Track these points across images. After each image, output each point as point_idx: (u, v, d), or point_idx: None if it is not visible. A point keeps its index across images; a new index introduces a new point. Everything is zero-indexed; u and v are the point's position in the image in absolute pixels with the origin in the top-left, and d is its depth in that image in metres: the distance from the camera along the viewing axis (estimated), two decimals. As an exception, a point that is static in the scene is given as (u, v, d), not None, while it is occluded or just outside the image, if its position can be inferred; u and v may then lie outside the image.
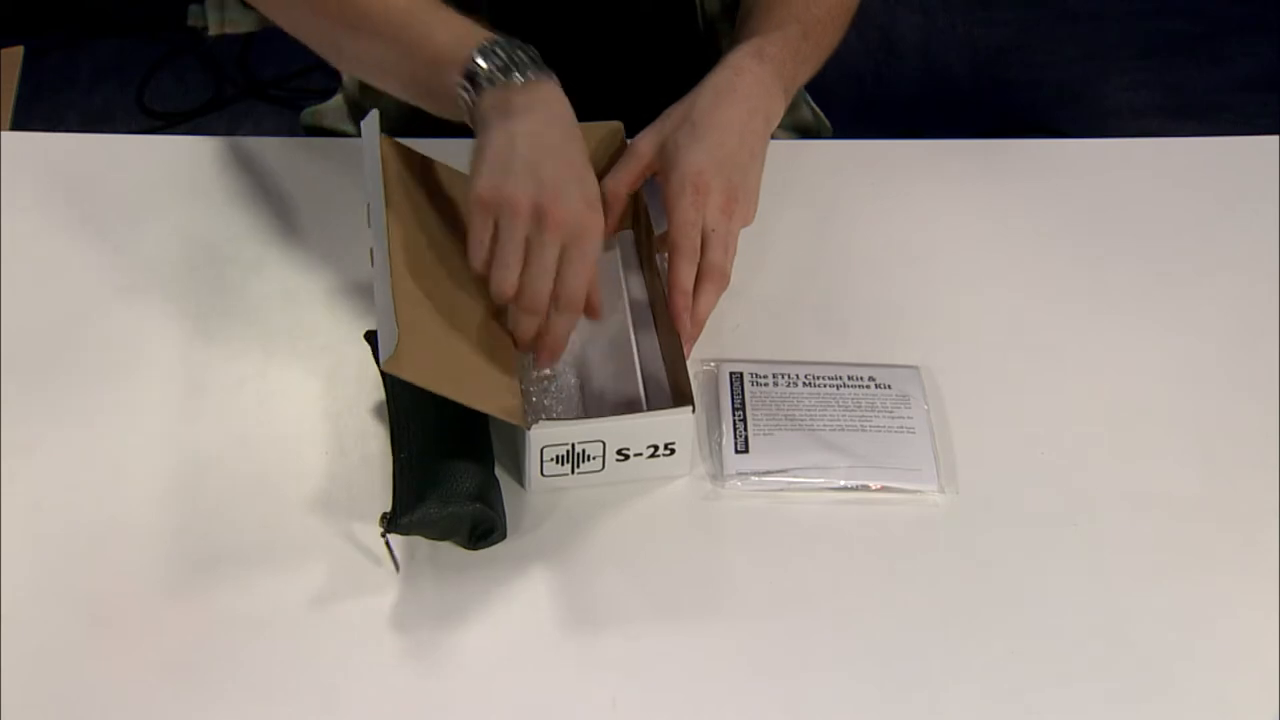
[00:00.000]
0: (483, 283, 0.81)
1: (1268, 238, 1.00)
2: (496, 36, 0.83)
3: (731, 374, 0.88)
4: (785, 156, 1.06)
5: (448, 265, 0.84)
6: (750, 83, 0.91)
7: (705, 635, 0.76)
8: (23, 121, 2.22)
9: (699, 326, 0.87)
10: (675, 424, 0.81)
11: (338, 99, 1.21)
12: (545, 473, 0.81)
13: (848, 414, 0.86)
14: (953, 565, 0.80)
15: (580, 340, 0.88)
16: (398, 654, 0.75)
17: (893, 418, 0.86)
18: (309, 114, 1.21)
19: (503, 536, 0.79)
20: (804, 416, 0.86)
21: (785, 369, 0.89)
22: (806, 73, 0.98)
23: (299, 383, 0.88)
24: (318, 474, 0.83)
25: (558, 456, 0.80)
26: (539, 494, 0.82)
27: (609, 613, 0.77)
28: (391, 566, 0.78)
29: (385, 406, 0.83)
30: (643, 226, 0.94)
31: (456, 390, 0.77)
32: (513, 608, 0.77)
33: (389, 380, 0.82)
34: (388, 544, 0.77)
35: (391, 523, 0.75)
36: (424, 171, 0.90)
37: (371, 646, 0.75)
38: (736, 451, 0.84)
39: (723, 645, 0.76)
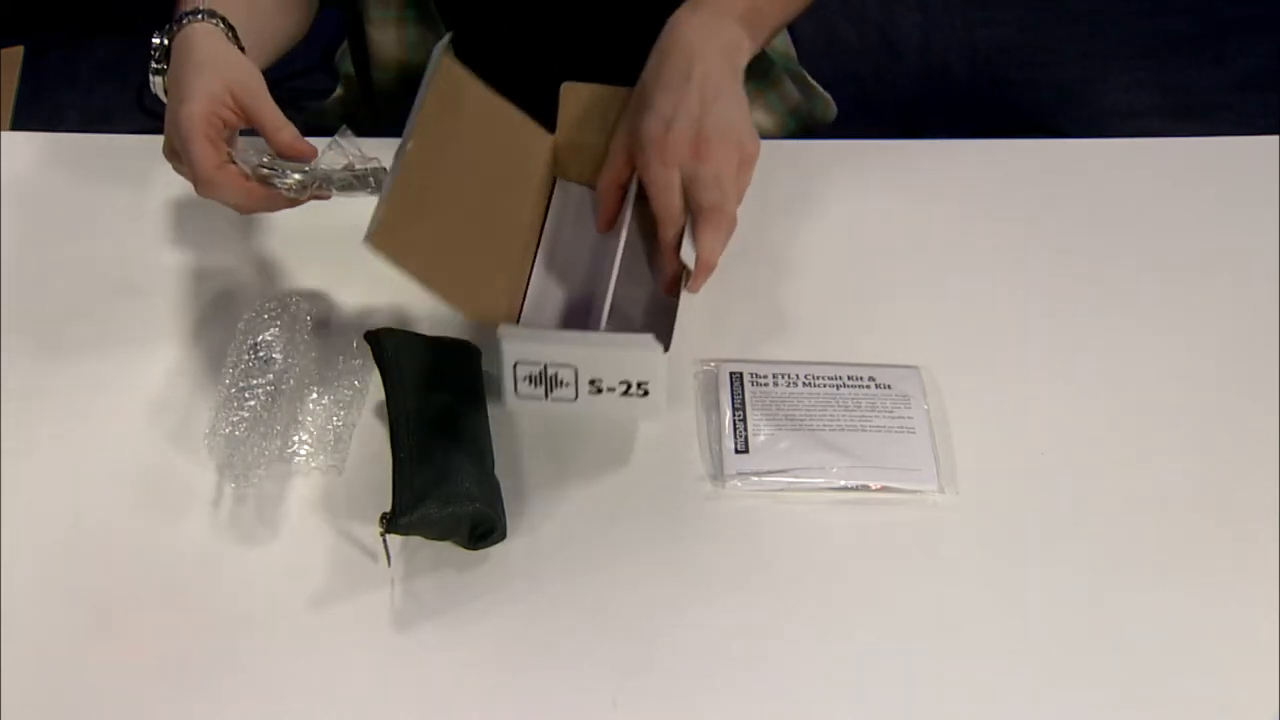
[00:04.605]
0: (514, 205, 0.82)
1: (1268, 238, 1.00)
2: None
3: (731, 374, 0.88)
4: (786, 156, 1.06)
5: (474, 182, 0.84)
6: (688, 31, 0.89)
7: (705, 635, 0.76)
8: (23, 121, 2.22)
9: (707, 270, 0.86)
10: (646, 360, 0.79)
11: (337, 98, 1.21)
12: (519, 392, 0.81)
13: (848, 414, 0.86)
14: (953, 565, 0.80)
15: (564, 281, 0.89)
16: (398, 654, 0.75)
17: (893, 418, 0.86)
18: (310, 113, 1.21)
19: (502, 536, 0.79)
20: (804, 416, 0.86)
21: (785, 369, 0.89)
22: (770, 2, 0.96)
23: (299, 382, 0.88)
24: (318, 474, 0.84)
25: (531, 377, 0.80)
26: (516, 413, 0.83)
27: (609, 613, 0.77)
28: (390, 566, 0.78)
29: (385, 406, 0.83)
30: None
31: (439, 284, 0.77)
32: (513, 608, 0.77)
33: (389, 380, 0.82)
34: (385, 543, 0.77)
35: (391, 523, 0.75)
36: (477, 98, 0.89)
37: (371, 646, 0.75)
38: (736, 451, 0.84)
39: (722, 645, 0.76)
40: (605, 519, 0.82)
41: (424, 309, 0.93)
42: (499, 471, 0.82)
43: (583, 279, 0.92)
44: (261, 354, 0.86)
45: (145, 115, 2.28)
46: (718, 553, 0.80)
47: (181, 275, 0.95)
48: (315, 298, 0.92)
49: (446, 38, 0.87)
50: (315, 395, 0.87)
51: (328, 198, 0.87)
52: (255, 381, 0.84)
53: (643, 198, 0.90)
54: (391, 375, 0.82)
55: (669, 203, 0.85)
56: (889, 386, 0.88)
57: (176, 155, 0.85)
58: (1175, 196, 1.03)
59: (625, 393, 0.81)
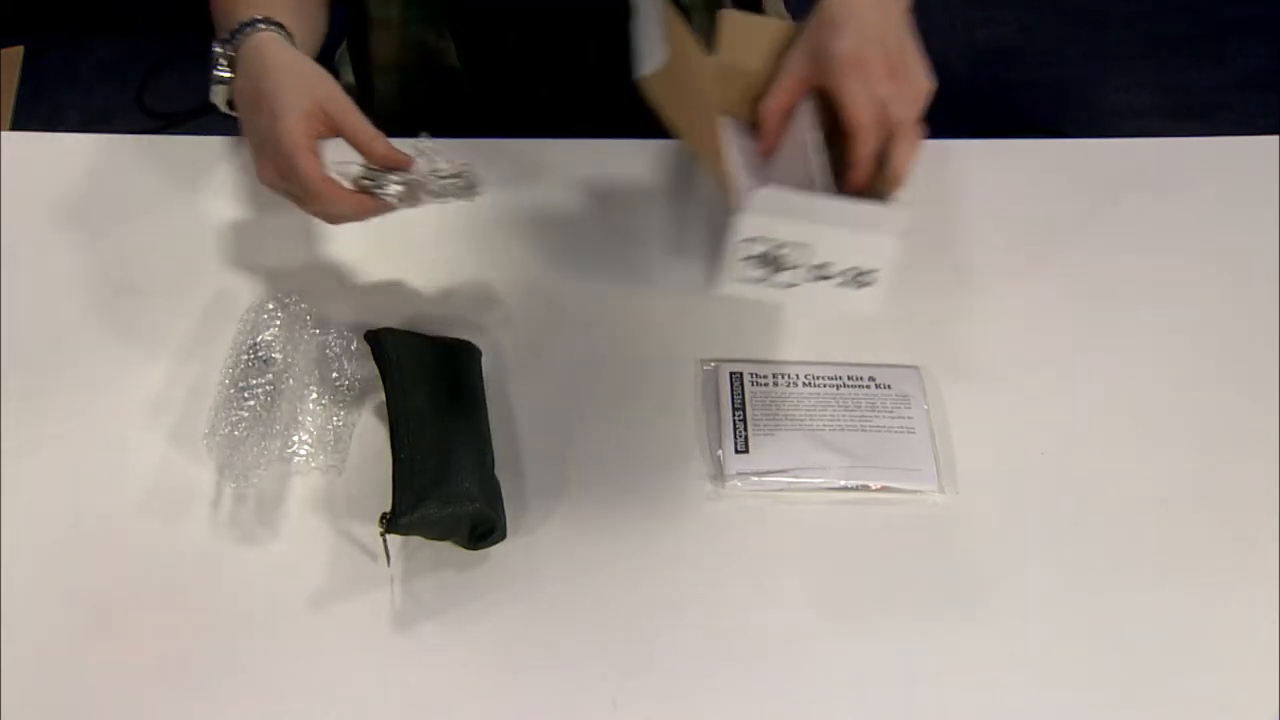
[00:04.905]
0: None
1: (1268, 238, 1.00)
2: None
3: (731, 374, 0.88)
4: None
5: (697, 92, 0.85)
6: None
7: (705, 635, 0.76)
8: (23, 121, 2.22)
9: (898, 181, 0.86)
10: (881, 246, 0.78)
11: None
12: (738, 274, 0.78)
13: (848, 414, 0.86)
14: (953, 565, 0.80)
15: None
16: (398, 654, 0.75)
17: (893, 418, 0.86)
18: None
19: (503, 536, 0.79)
20: (804, 416, 0.86)
21: (785, 369, 0.89)
22: None
23: (299, 382, 0.88)
24: (318, 474, 0.84)
25: (761, 255, 0.78)
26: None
27: (609, 613, 0.77)
28: (390, 566, 0.78)
29: (385, 406, 0.83)
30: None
31: (693, 136, 0.77)
32: (513, 608, 0.77)
33: (389, 380, 0.82)
34: (385, 543, 0.77)
35: (391, 523, 0.75)
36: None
37: (371, 646, 0.75)
38: (736, 451, 0.84)
39: (723, 644, 0.76)
40: (605, 519, 0.82)
41: (424, 309, 0.93)
42: (499, 471, 0.82)
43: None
44: (261, 354, 0.86)
45: (145, 115, 2.28)
46: (718, 553, 0.80)
47: (181, 275, 0.95)
48: (315, 298, 0.92)
49: None
50: (315, 395, 0.87)
51: (420, 204, 0.88)
52: (255, 381, 0.84)
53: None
54: (391, 375, 0.82)
55: (869, 116, 0.86)
56: (889, 386, 0.88)
57: (276, 171, 0.84)
58: (1175, 196, 1.03)
59: (847, 282, 0.79)
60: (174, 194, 1.02)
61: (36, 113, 2.26)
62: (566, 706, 0.73)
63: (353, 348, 0.89)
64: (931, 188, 1.04)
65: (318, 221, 0.94)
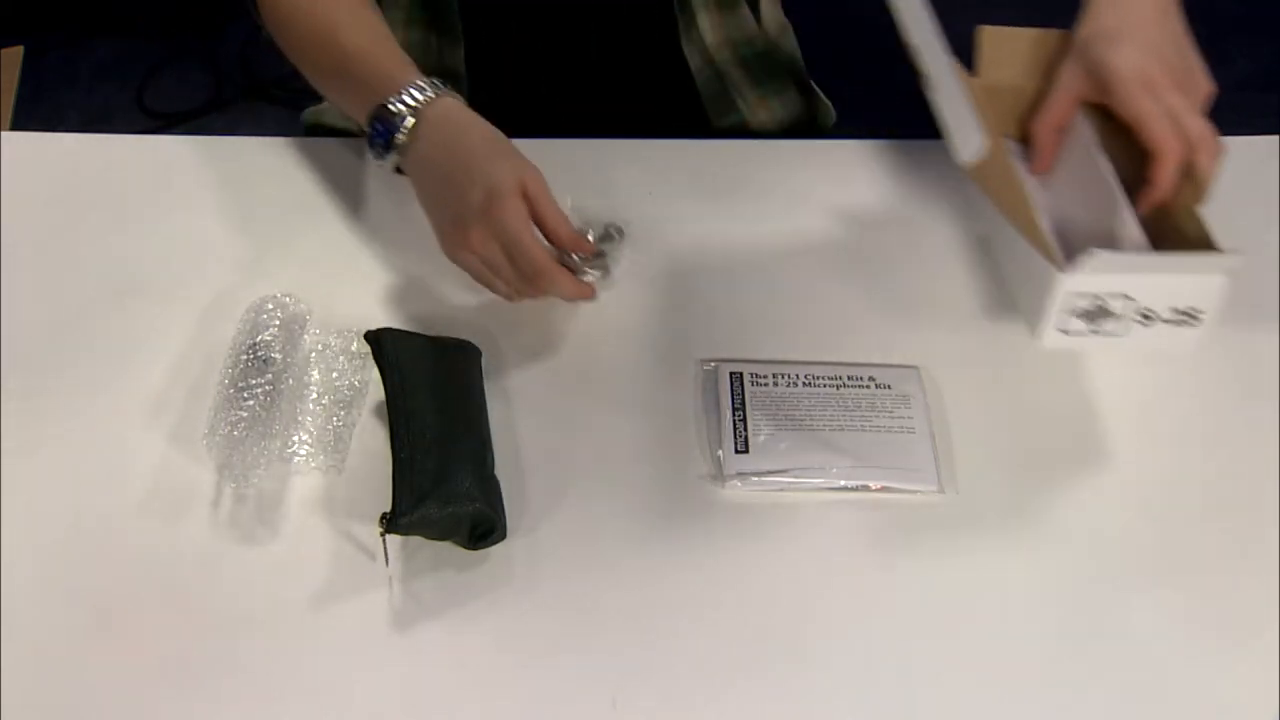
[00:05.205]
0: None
1: (1268, 237, 1.00)
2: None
3: (731, 374, 0.88)
4: (786, 156, 1.06)
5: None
6: None
7: (705, 635, 0.76)
8: (23, 121, 2.23)
9: (1206, 193, 0.86)
10: (1209, 286, 0.79)
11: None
12: (1063, 327, 0.80)
13: (848, 414, 0.86)
14: (952, 565, 0.80)
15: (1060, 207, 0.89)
16: (397, 654, 0.75)
17: (893, 418, 0.86)
18: (310, 113, 1.21)
19: (503, 536, 0.79)
20: (804, 416, 0.86)
21: (785, 369, 0.89)
22: None
23: (298, 382, 0.88)
24: (317, 474, 0.84)
25: (1083, 310, 0.79)
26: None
27: (609, 613, 0.77)
28: (388, 565, 0.78)
29: (385, 406, 0.83)
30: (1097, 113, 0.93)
31: (1025, 227, 0.76)
32: (513, 608, 0.77)
33: (389, 380, 0.82)
34: (384, 543, 0.77)
35: (391, 523, 0.75)
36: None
37: (371, 646, 0.75)
38: (736, 451, 0.84)
39: (722, 645, 0.76)
40: (605, 519, 0.82)
41: (424, 309, 0.93)
42: (499, 471, 0.82)
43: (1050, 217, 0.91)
44: (260, 354, 0.86)
45: (145, 115, 2.28)
46: (718, 553, 0.80)
47: (181, 275, 0.95)
48: (315, 298, 0.92)
49: None
50: (315, 395, 0.87)
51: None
52: (254, 381, 0.84)
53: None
54: (391, 375, 0.82)
55: (1169, 134, 0.85)
56: (889, 386, 0.88)
57: (499, 249, 0.83)
58: (1175, 196, 1.03)
59: (1173, 319, 0.80)
60: (174, 194, 1.02)
61: (36, 113, 2.26)
62: (566, 706, 0.73)
63: (353, 348, 0.89)
64: (931, 187, 1.04)
65: (317, 222, 0.94)
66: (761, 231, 1.00)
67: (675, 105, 1.15)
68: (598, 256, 0.91)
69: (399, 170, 0.90)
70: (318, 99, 1.23)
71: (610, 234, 0.95)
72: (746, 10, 1.13)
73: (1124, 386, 0.90)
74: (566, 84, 1.15)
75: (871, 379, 0.88)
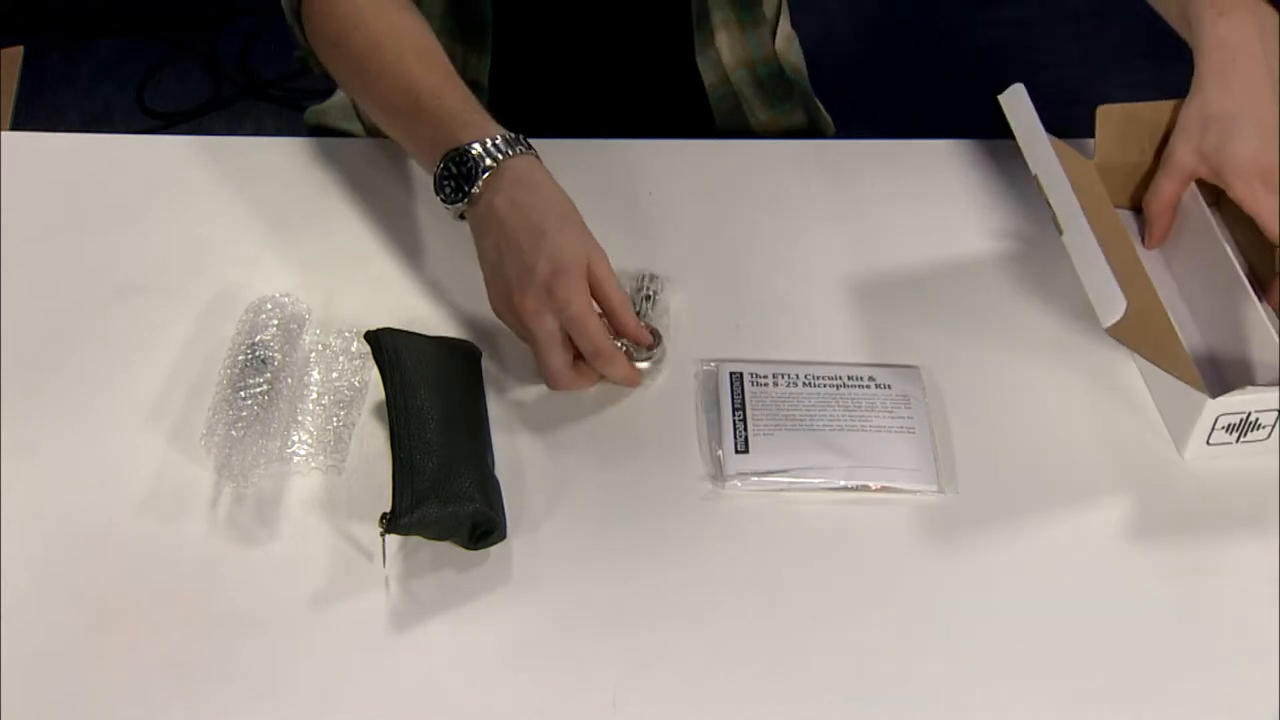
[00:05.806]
0: (1125, 246, 0.84)
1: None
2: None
3: (731, 374, 0.88)
4: (786, 156, 1.06)
5: (1109, 235, 0.84)
6: (1237, 40, 0.89)
7: (705, 635, 0.76)
8: (23, 121, 2.23)
9: None
10: None
11: (340, 97, 1.21)
12: (1211, 441, 0.82)
13: (848, 414, 0.86)
14: (952, 565, 0.80)
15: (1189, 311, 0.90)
16: (397, 654, 0.75)
17: (893, 418, 0.86)
18: (311, 113, 1.21)
19: (502, 537, 0.79)
20: (804, 416, 0.86)
21: (785, 369, 0.89)
22: None
23: (298, 382, 0.88)
24: (317, 474, 0.84)
25: (1229, 425, 0.81)
26: (1198, 462, 0.84)
27: (609, 613, 0.77)
28: (388, 566, 0.78)
29: (385, 406, 0.83)
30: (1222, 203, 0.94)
31: (1168, 359, 0.78)
32: (513, 608, 0.77)
33: (389, 380, 0.82)
34: (384, 543, 0.77)
35: (391, 523, 0.75)
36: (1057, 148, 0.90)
37: (371, 646, 0.75)
38: (736, 451, 0.84)
39: (723, 645, 0.76)
40: (605, 519, 0.82)
41: (424, 309, 0.93)
42: (499, 471, 0.82)
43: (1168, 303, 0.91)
44: (259, 354, 0.86)
45: (145, 115, 2.28)
46: (718, 553, 0.80)
47: (181, 275, 0.95)
48: (315, 298, 0.92)
49: (1018, 88, 0.88)
50: (315, 395, 0.87)
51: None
52: (253, 381, 0.84)
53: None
54: (391, 375, 0.82)
55: None
56: (889, 386, 0.88)
57: (557, 322, 0.82)
58: (1175, 196, 1.03)
59: None
60: (174, 194, 1.02)
61: (36, 113, 2.26)
62: (566, 706, 0.73)
63: (353, 348, 0.89)
64: (932, 187, 1.04)
65: (317, 222, 0.94)
66: (761, 231, 1.00)
67: (687, 119, 1.15)
68: (653, 346, 0.88)
69: (461, 216, 0.87)
70: (318, 99, 1.24)
71: (647, 291, 0.92)
72: (766, 31, 1.13)
73: (1119, 386, 0.90)
74: (580, 96, 1.15)
75: (871, 379, 0.88)
